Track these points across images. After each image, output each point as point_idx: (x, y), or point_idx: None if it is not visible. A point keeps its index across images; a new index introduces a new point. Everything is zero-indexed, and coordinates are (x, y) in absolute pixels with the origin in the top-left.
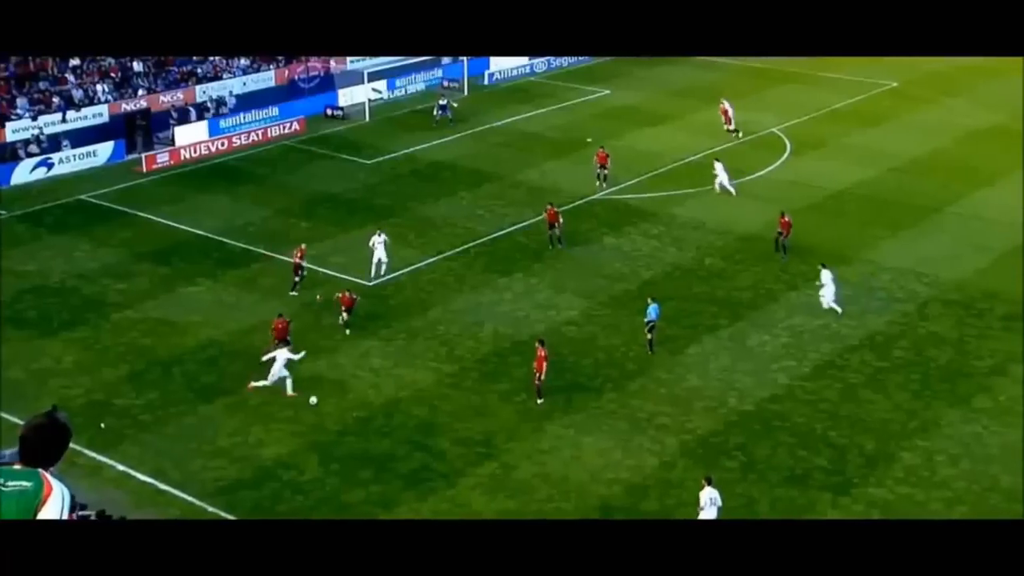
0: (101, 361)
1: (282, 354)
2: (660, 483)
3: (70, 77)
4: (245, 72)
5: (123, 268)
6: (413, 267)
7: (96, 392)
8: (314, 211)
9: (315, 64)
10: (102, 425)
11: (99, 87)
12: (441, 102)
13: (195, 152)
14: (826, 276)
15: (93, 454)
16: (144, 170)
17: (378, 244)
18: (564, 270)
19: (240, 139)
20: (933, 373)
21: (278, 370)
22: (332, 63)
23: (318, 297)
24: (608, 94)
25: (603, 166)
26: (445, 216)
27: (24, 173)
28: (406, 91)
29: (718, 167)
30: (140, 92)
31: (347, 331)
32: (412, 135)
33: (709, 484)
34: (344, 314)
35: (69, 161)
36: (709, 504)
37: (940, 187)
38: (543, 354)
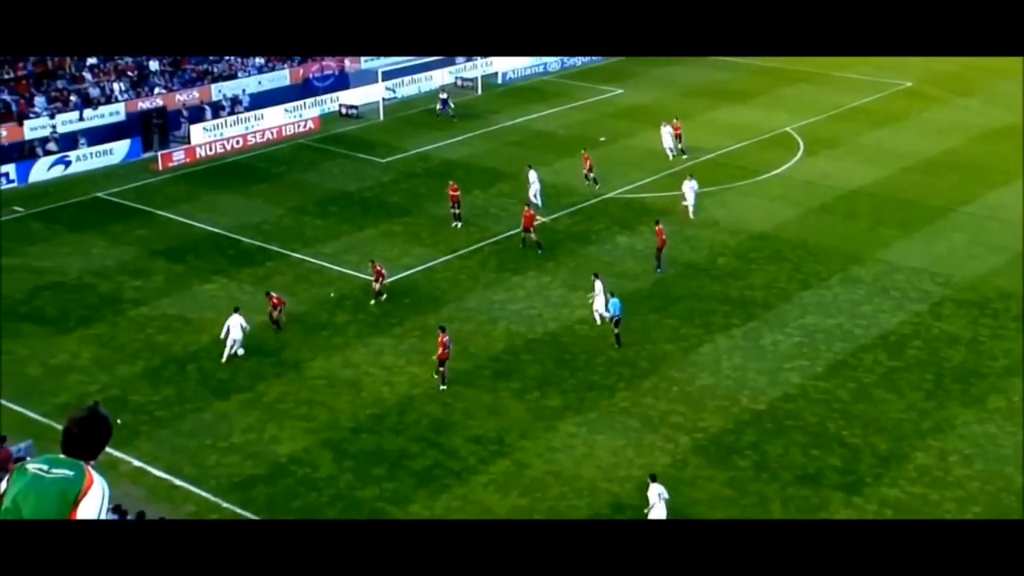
0: (117, 357)
1: (235, 320)
2: (672, 481)
3: (87, 75)
4: (260, 71)
5: (139, 265)
6: (427, 265)
7: (112, 388)
8: (328, 209)
9: (329, 63)
10: (118, 421)
11: (116, 85)
12: (442, 96)
13: (210, 150)
14: (598, 286)
15: (109, 449)
16: (160, 168)
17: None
18: (577, 268)
19: (255, 137)
20: (947, 373)
21: (236, 336)
22: (347, 62)
23: (331, 294)
24: (621, 93)
25: (589, 170)
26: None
27: (42, 171)
28: (419, 90)
29: (687, 187)
30: (156, 90)
31: (381, 298)
32: (425, 134)
33: (654, 481)
34: (376, 285)
35: (86, 159)
36: (658, 499)
37: (954, 187)
38: (444, 340)
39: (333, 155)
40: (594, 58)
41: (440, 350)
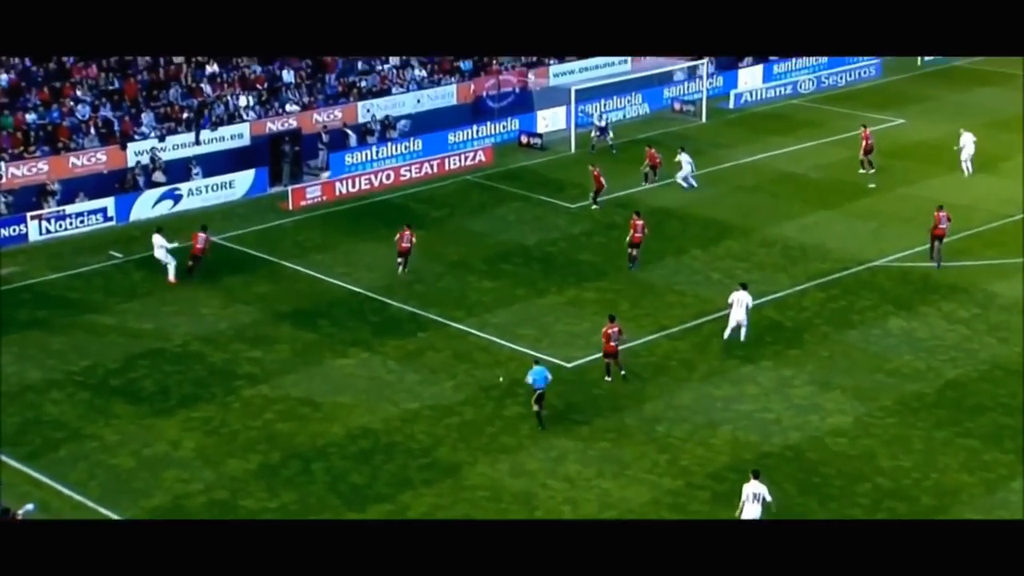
0: (227, 449)
1: (158, 241)
2: None
3: (206, 87)
4: (420, 86)
5: (259, 331)
6: (627, 346)
7: (219, 489)
8: (500, 267)
9: (509, 78)
10: None
11: (241, 99)
12: (600, 124)
13: (354, 186)
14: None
15: None
16: (290, 207)
17: None
18: (832, 359)
19: (410, 171)
20: None
21: (163, 257)
22: (531, 76)
23: (500, 379)
24: (903, 124)
25: (653, 167)
26: (670, 280)
27: (146, 207)
28: (624, 115)
29: (966, 139)
30: (289, 107)
31: (402, 270)
32: (630, 172)
33: (756, 478)
34: (400, 259)
35: (199, 193)
36: (752, 499)
37: None
38: (611, 331)
39: (509, 196)
40: (862, 75)
41: (606, 343)
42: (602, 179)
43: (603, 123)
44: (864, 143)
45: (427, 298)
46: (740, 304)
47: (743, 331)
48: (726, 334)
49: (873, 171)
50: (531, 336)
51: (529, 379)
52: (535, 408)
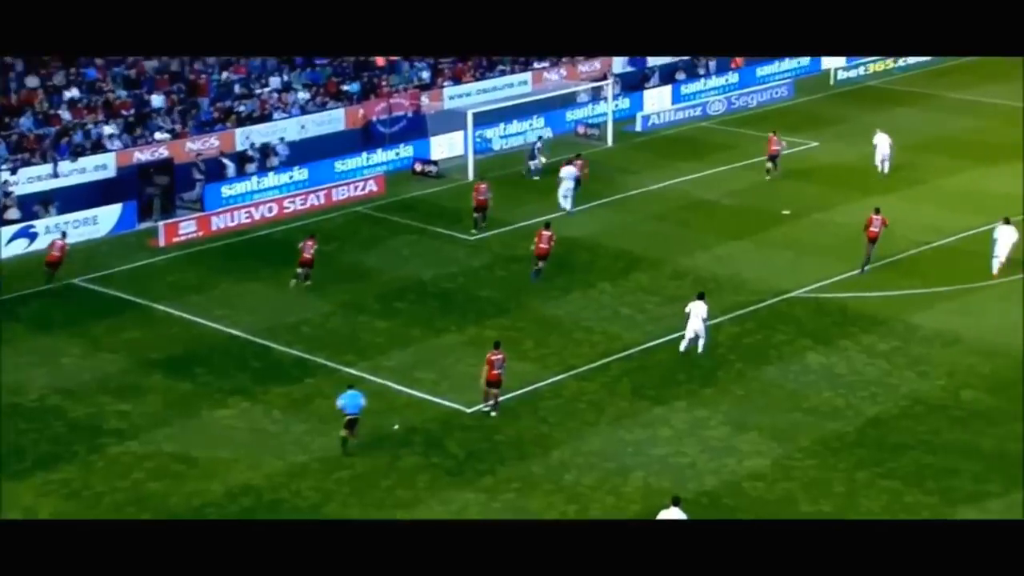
0: (90, 515)
1: None
2: None
3: (65, 114)
4: (304, 110)
5: (127, 381)
6: (531, 387)
7: None
8: (394, 306)
9: (400, 101)
10: None
11: (105, 127)
12: (538, 145)
13: (232, 220)
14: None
15: None
16: (162, 244)
17: None
18: (748, 398)
19: (294, 203)
20: None
21: None
22: (424, 99)
23: (395, 427)
24: (815, 147)
25: (773, 157)
26: (577, 316)
27: None
28: (525, 139)
29: (880, 139)
30: (159, 135)
31: (294, 281)
32: (532, 200)
33: (676, 504)
34: (301, 270)
35: (58, 230)
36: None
37: None
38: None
39: (403, 229)
40: (773, 96)
41: (489, 370)
42: (484, 198)
43: (538, 144)
44: (770, 148)
45: (314, 340)
46: (696, 315)
47: (701, 342)
48: (682, 346)
49: (778, 172)
50: (429, 379)
51: (339, 403)
52: (343, 434)
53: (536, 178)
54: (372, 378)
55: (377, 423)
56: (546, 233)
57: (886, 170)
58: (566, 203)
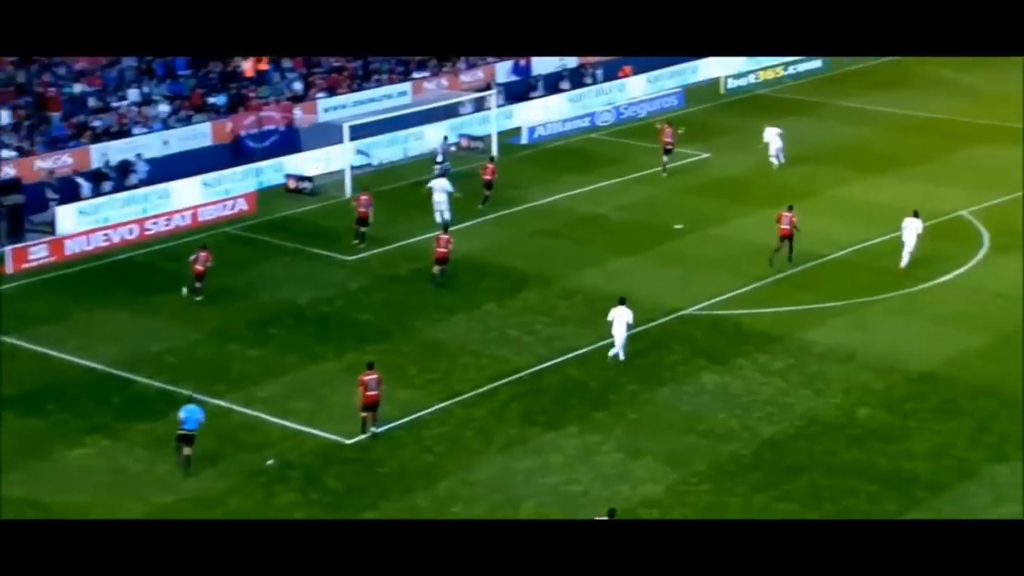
0: None
1: None
2: None
3: None
4: (165, 124)
5: None
6: (415, 415)
7: None
8: (267, 332)
9: (272, 114)
10: None
11: None
12: (444, 147)
13: (88, 244)
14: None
15: None
16: (9, 271)
17: None
18: (641, 421)
19: (157, 224)
20: None
21: None
22: (297, 112)
23: (269, 462)
24: (707, 158)
25: (668, 150)
26: (463, 339)
27: None
28: (405, 152)
29: (770, 134)
30: (5, 153)
31: (185, 290)
32: (415, 218)
33: (612, 517)
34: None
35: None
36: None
37: None
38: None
39: (276, 250)
40: (664, 106)
41: (363, 392)
42: (366, 210)
43: (444, 146)
44: (663, 139)
45: (181, 371)
46: (620, 321)
47: (620, 349)
48: (611, 354)
49: (670, 166)
50: (306, 410)
51: (181, 415)
52: (186, 452)
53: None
54: (244, 410)
55: (250, 459)
56: (444, 236)
57: (782, 159)
58: (444, 215)
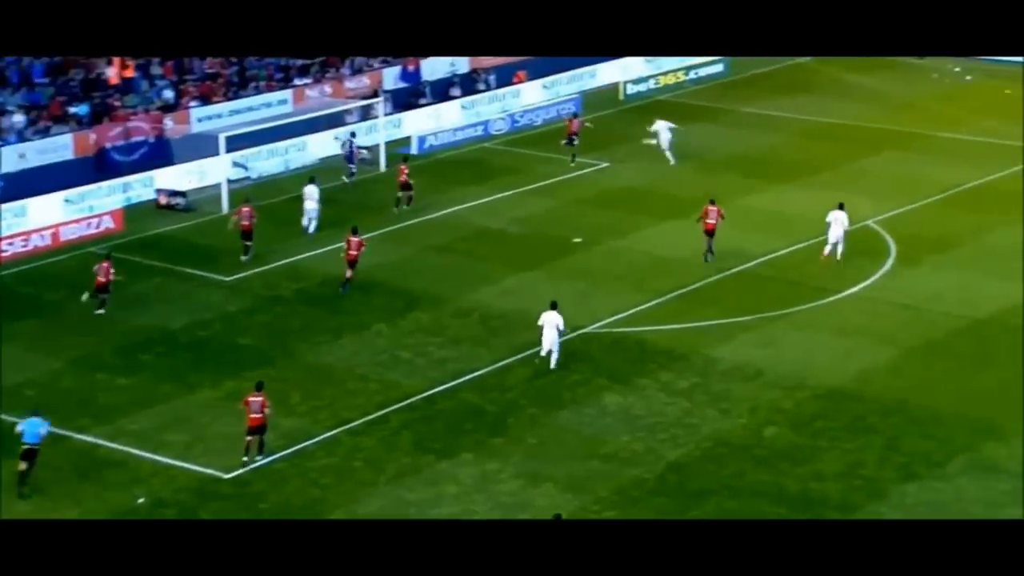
0: None
1: None
2: None
3: None
4: (21, 136)
5: None
6: (299, 446)
7: None
8: (138, 359)
9: (141, 124)
10: None
11: None
12: (348, 138)
13: None
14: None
15: None
16: None
17: None
18: (541, 446)
19: (12, 245)
20: None
21: None
22: (168, 122)
23: (140, 500)
24: (606, 168)
25: (571, 139)
26: (351, 363)
27: None
28: (287, 164)
29: (660, 126)
30: None
31: (87, 295)
32: (297, 234)
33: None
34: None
35: None
36: None
37: None
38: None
39: (147, 271)
40: (561, 113)
41: (248, 414)
42: (249, 222)
43: (351, 143)
44: (569, 132)
45: (41, 405)
46: (551, 326)
47: (553, 357)
48: (541, 353)
49: (576, 152)
50: (180, 443)
51: (18, 428)
52: (21, 467)
53: (348, 183)
54: (112, 445)
55: (119, 498)
56: (354, 239)
57: (673, 160)
58: (310, 226)
